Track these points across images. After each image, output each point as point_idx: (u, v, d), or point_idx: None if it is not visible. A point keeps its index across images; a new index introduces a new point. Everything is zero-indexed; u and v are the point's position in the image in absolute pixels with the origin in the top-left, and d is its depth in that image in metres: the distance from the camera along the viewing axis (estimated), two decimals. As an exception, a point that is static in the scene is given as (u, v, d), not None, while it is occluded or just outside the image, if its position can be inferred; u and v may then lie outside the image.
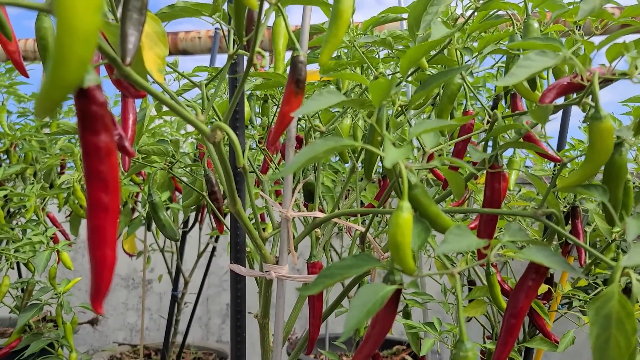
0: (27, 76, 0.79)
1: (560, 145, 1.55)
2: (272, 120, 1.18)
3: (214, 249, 2.65)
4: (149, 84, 0.64)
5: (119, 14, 0.73)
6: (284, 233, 0.81)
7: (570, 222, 1.31)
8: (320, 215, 0.83)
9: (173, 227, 1.00)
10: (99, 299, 0.46)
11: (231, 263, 0.90)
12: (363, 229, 0.86)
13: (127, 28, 0.54)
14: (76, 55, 0.30)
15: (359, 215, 1.08)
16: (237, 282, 0.92)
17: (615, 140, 0.63)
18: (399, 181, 0.56)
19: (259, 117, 1.43)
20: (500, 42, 0.97)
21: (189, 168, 1.22)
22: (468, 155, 0.91)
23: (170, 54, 3.52)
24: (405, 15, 0.96)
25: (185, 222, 2.49)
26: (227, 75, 0.91)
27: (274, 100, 1.23)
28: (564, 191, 0.69)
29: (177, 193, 2.18)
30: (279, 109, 1.29)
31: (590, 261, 1.38)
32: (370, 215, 0.83)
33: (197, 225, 2.50)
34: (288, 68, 0.76)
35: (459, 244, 0.54)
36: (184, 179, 1.72)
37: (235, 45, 0.80)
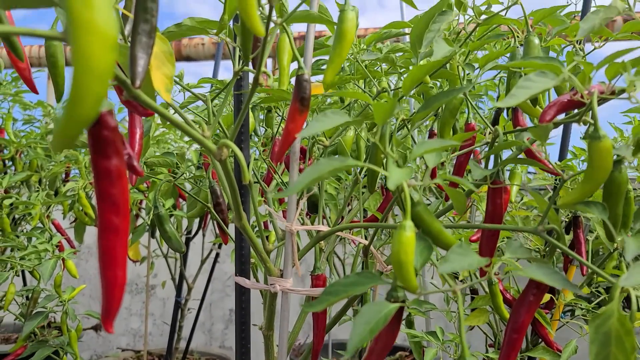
0: (36, 93, 0.81)
1: (562, 155, 1.56)
2: (277, 131, 1.20)
3: (217, 255, 2.66)
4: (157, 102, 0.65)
5: (127, 31, 0.75)
6: (289, 246, 0.82)
7: (572, 231, 1.32)
8: (324, 228, 0.84)
9: (179, 239, 1.01)
10: (110, 318, 0.48)
11: (236, 275, 0.91)
12: (366, 242, 0.87)
13: (137, 51, 0.56)
14: (93, 93, 0.32)
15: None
16: (242, 293, 0.93)
17: (614, 158, 0.64)
18: (402, 197, 0.58)
19: (262, 126, 1.45)
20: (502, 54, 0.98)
21: (193, 178, 1.23)
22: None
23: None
24: (407, 30, 0.98)
25: (190, 230, 2.50)
26: (233, 91, 0.93)
27: (278, 111, 1.24)
28: (564, 208, 0.70)
29: (180, 200, 2.19)
30: (283, 124, 1.30)
31: (592, 271, 1.39)
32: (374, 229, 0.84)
33: (200, 231, 2.52)
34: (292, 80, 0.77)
35: (461, 263, 0.55)
36: (187, 185, 1.73)
37: (241, 62, 0.81)
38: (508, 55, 0.97)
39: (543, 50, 0.91)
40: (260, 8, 0.72)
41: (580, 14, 1.70)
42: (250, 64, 0.83)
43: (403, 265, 0.55)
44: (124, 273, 0.48)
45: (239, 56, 0.83)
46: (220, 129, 0.92)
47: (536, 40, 0.83)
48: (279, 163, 1.21)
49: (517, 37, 0.94)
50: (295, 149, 0.83)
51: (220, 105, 0.77)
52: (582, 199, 0.63)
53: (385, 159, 0.67)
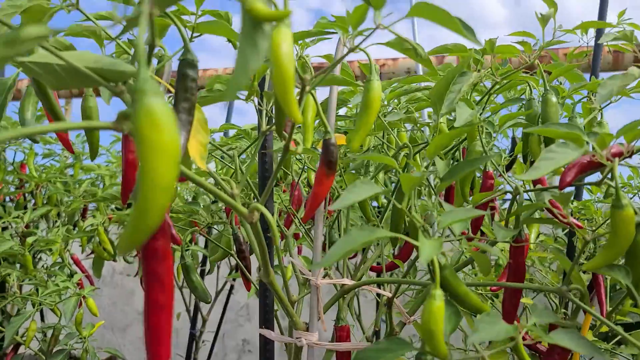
0: (72, 152, 0.84)
1: (578, 193, 1.58)
2: (299, 178, 1.22)
3: (232, 286, 2.67)
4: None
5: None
6: (314, 300, 0.84)
7: (592, 285, 1.33)
8: (349, 282, 0.86)
9: (205, 289, 1.03)
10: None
11: (260, 326, 0.93)
12: (389, 294, 0.89)
13: (178, 129, 0.59)
14: (158, 205, 0.34)
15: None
16: (266, 343, 0.95)
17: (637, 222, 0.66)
18: (430, 266, 0.60)
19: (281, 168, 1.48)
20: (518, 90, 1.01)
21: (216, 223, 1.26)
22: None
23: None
24: (425, 84, 1.01)
25: (204, 261, 2.52)
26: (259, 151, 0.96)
27: (297, 160, 1.27)
28: (588, 270, 0.72)
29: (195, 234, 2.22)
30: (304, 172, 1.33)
31: (611, 309, 1.40)
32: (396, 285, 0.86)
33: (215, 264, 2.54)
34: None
35: (490, 332, 0.56)
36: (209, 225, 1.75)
37: (266, 119, 0.84)
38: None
39: (560, 105, 0.94)
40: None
41: (592, 52, 1.73)
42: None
43: (433, 334, 0.56)
44: (169, 350, 0.50)
45: (266, 115, 0.86)
46: (247, 188, 0.95)
47: (553, 99, 0.86)
48: (298, 209, 1.23)
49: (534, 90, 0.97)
50: (320, 208, 0.85)
51: (248, 164, 0.80)
52: (605, 264, 0.65)
53: (409, 222, 0.69)
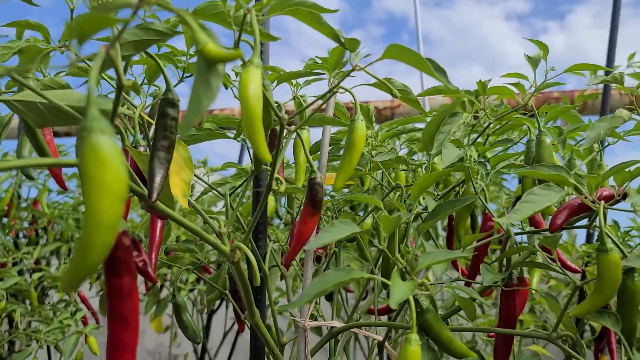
0: (65, 189, 0.85)
1: (589, 236, 1.54)
2: (298, 213, 1.21)
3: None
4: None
5: (151, 134, 0.79)
6: (301, 344, 0.83)
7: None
8: (338, 324, 0.84)
9: (195, 329, 1.02)
10: None
11: (250, 368, 0.91)
12: (380, 338, 0.87)
13: (155, 166, 0.59)
14: (101, 242, 0.34)
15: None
16: (256, 387, 0.92)
17: (624, 268, 0.64)
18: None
19: (284, 207, 1.47)
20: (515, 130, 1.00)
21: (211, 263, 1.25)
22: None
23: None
24: (420, 125, 1.00)
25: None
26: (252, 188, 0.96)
27: (299, 196, 1.27)
28: (575, 316, 0.69)
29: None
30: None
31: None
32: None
33: (223, 303, 2.52)
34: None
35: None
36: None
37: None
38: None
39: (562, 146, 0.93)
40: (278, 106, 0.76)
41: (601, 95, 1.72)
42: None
43: (409, 380, 0.55)
44: (130, 390, 0.49)
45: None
46: (237, 221, 0.95)
47: (548, 140, 0.85)
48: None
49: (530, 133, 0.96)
50: (310, 251, 0.85)
51: (238, 203, 0.79)
52: (593, 310, 0.63)
53: (394, 264, 0.68)
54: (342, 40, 0.55)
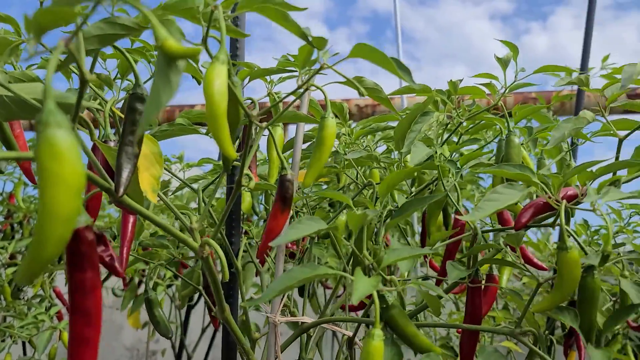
0: (34, 183, 0.85)
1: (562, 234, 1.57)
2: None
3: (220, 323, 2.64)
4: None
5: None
6: (272, 339, 0.83)
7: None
8: (308, 320, 0.85)
9: (167, 324, 1.02)
10: None
11: (221, 363, 0.91)
12: (350, 334, 0.87)
13: (122, 161, 0.59)
14: (56, 236, 0.34)
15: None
16: (227, 382, 0.93)
17: (584, 265, 0.66)
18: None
19: (262, 204, 1.48)
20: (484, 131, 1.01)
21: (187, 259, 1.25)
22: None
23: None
24: (393, 123, 1.01)
25: (191, 297, 2.49)
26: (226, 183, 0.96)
27: (274, 194, 1.27)
28: (537, 312, 0.71)
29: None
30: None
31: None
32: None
33: (202, 298, 2.51)
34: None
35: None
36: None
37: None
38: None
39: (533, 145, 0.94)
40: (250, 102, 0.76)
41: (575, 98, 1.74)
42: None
43: (371, 375, 0.55)
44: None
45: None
46: (210, 216, 0.95)
47: (516, 140, 0.86)
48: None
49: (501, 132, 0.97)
50: (282, 245, 0.85)
51: (210, 198, 0.80)
52: (554, 306, 0.64)
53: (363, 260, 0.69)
54: (310, 39, 0.56)
